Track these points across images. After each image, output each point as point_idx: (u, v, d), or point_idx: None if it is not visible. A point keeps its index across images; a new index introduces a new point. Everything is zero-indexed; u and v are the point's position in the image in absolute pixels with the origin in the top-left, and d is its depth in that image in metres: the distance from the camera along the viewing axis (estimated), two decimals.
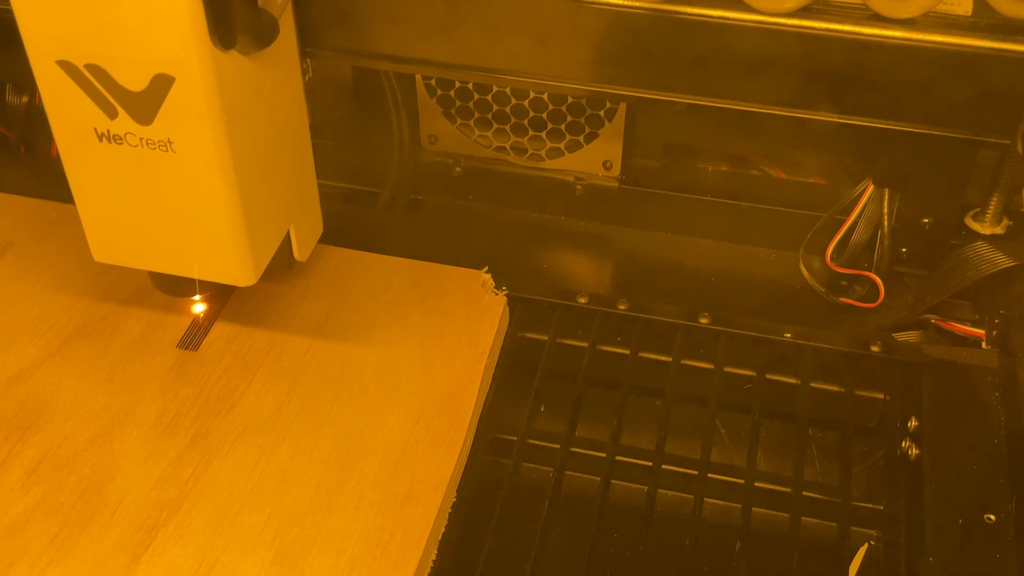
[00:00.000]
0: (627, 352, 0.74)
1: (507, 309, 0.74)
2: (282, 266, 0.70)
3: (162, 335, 0.71)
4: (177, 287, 0.69)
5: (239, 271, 0.64)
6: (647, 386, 0.72)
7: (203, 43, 0.55)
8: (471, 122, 0.89)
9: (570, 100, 0.85)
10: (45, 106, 0.59)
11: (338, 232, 0.78)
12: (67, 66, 0.57)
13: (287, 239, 0.69)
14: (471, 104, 0.88)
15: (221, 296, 0.73)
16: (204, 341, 0.71)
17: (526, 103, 0.86)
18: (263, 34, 0.60)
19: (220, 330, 0.72)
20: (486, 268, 0.76)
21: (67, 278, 0.74)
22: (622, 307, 0.75)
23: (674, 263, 0.82)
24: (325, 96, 0.89)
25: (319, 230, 0.73)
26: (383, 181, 0.89)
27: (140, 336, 0.71)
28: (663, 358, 0.74)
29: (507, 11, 0.64)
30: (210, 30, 0.55)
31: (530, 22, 0.64)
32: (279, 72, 0.63)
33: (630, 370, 0.73)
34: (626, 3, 0.62)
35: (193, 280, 0.66)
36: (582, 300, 0.76)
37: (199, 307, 0.73)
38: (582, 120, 0.86)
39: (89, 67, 0.57)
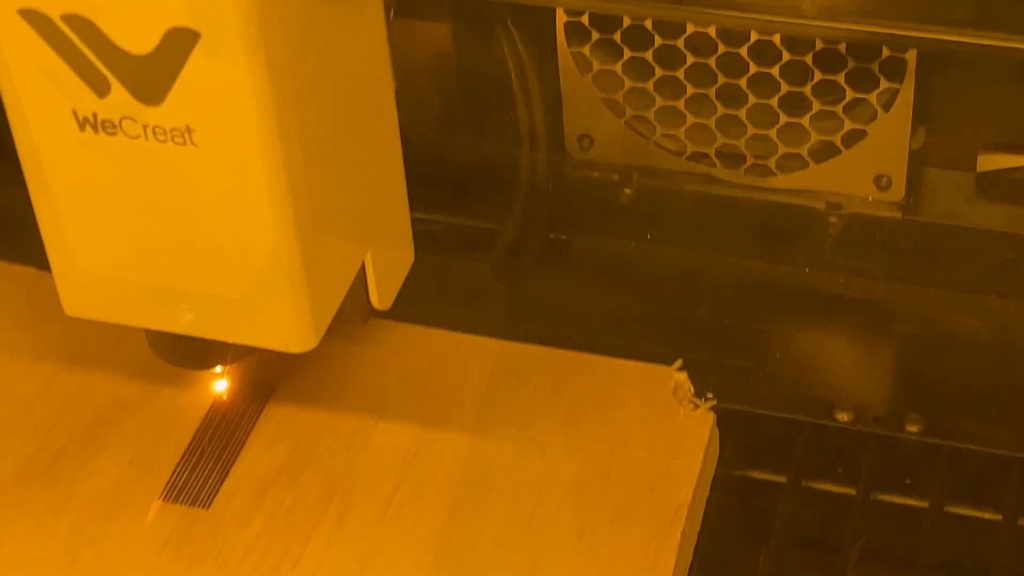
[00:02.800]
0: (924, 505, 0.74)
1: (716, 431, 0.74)
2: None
3: (154, 473, 0.73)
4: (192, 354, 0.71)
5: (292, 329, 0.65)
6: (961, 564, 0.73)
7: None
8: (650, 113, 0.88)
9: (818, 77, 0.84)
10: None
11: (430, 299, 0.79)
12: (35, 18, 0.59)
13: (361, 275, 0.70)
14: (650, 84, 0.87)
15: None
16: (220, 489, 0.72)
17: (743, 82, 0.86)
18: None
19: (246, 462, 0.73)
20: (679, 362, 0.76)
21: None
22: (912, 429, 0.75)
23: (1002, 351, 0.82)
24: (405, 78, 0.89)
25: (409, 260, 0.75)
26: (503, 213, 0.90)
27: (118, 478, 0.73)
28: (986, 515, 0.74)
29: None
30: None
31: None
32: (353, 17, 0.65)
33: (929, 536, 0.73)
34: None
35: (217, 345, 0.68)
36: (843, 417, 0.76)
37: (222, 384, 0.75)
38: (838, 109, 0.85)
39: (68, 19, 0.58)
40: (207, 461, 0.74)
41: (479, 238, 0.90)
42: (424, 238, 0.90)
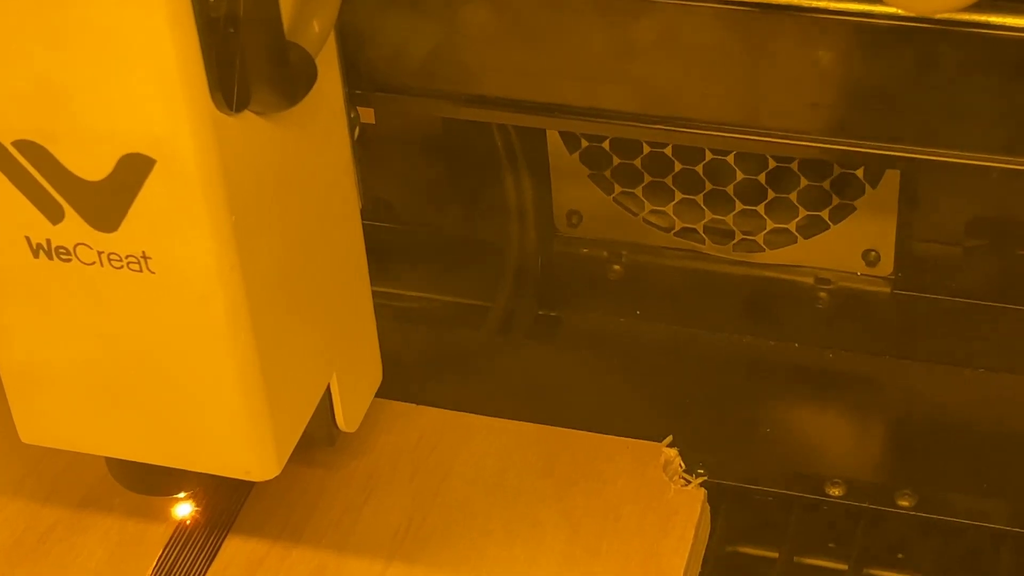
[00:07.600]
0: None
1: (707, 507, 0.74)
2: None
3: (142, 554, 0.72)
4: (151, 481, 0.70)
5: (253, 457, 0.64)
6: None
7: (199, 104, 0.55)
8: (638, 189, 0.89)
9: None
10: None
11: (420, 377, 0.79)
12: None
13: (327, 398, 0.70)
14: (638, 161, 0.88)
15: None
16: (209, 569, 0.72)
17: (730, 158, 0.86)
18: (293, 82, 0.60)
19: (235, 543, 0.73)
20: (669, 438, 0.76)
21: None
22: (904, 503, 0.75)
23: (993, 424, 0.81)
24: (395, 153, 0.90)
25: (376, 380, 0.74)
26: (493, 289, 0.90)
27: (106, 558, 0.72)
28: None
29: (701, 28, 0.64)
30: (211, 84, 0.56)
31: (743, 45, 0.64)
32: (315, 140, 0.64)
33: None
34: (898, 12, 0.61)
35: (179, 472, 0.67)
36: (835, 491, 0.76)
37: (185, 509, 0.74)
38: (826, 184, 0.86)
39: (20, 145, 0.58)
40: (196, 541, 0.73)
41: (469, 314, 0.90)
42: (414, 315, 0.90)
